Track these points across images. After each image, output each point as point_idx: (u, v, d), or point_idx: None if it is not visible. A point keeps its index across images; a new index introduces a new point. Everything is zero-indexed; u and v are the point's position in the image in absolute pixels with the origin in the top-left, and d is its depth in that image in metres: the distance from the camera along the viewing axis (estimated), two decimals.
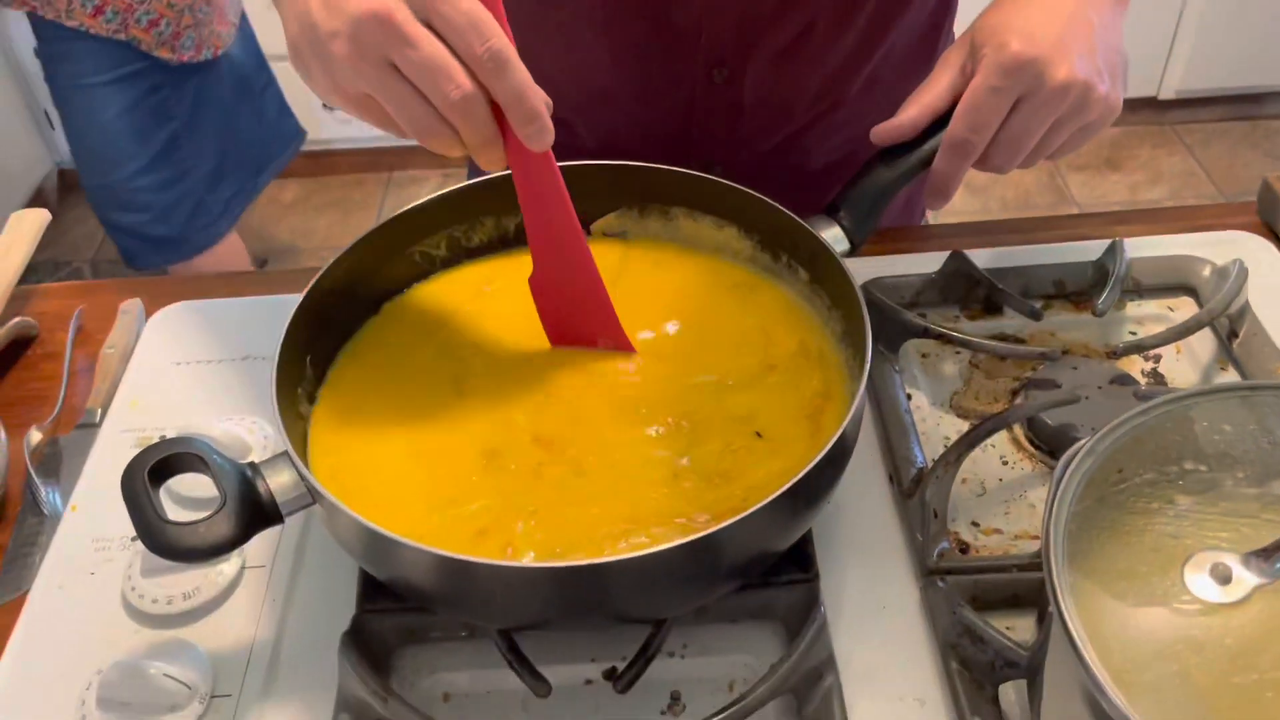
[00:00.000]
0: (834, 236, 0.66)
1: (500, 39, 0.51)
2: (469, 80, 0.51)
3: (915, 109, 0.67)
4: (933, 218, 1.15)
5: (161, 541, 0.51)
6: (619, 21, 0.79)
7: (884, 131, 0.68)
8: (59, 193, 2.71)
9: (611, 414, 0.63)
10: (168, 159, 1.72)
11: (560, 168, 0.71)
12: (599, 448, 0.61)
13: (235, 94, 1.81)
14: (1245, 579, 0.42)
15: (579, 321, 0.66)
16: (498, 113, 0.53)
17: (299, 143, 1.98)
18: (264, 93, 1.89)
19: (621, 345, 0.66)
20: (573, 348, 0.66)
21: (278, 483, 0.54)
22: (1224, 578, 0.42)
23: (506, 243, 0.74)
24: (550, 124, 0.54)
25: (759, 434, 0.61)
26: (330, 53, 0.51)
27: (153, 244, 1.79)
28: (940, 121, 0.67)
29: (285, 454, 0.55)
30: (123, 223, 1.78)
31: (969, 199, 2.51)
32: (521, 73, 0.52)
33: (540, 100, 0.53)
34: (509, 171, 0.58)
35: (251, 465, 0.55)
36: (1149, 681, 0.41)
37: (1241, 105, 2.72)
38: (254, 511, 0.53)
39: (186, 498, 0.66)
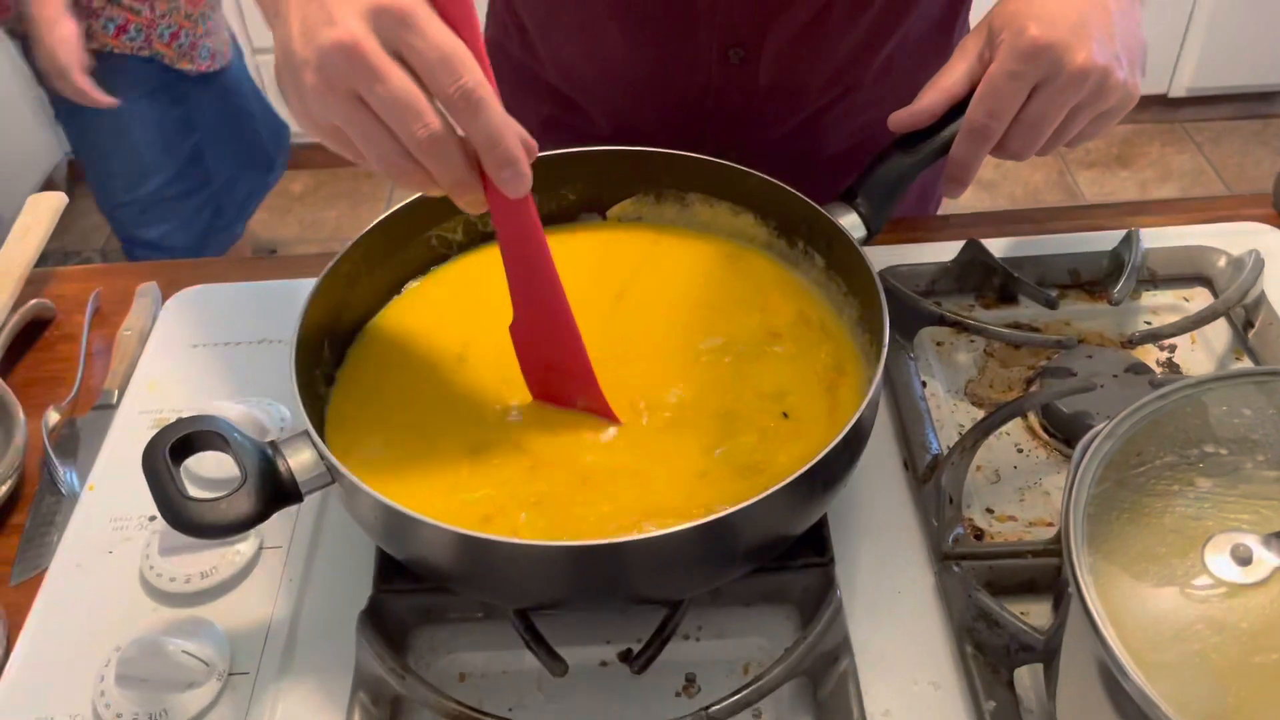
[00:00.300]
0: (851, 223, 0.66)
1: (474, 75, 0.48)
2: (438, 119, 0.48)
3: (932, 94, 0.67)
4: (944, 210, 1.15)
5: (183, 517, 0.51)
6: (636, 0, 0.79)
7: (902, 118, 0.68)
8: (69, 182, 2.72)
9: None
10: (192, 168, 1.75)
11: (576, 153, 0.72)
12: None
13: (244, 97, 1.83)
14: (1266, 560, 0.42)
15: (559, 378, 0.62)
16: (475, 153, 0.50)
17: (287, 134, 1.99)
18: (264, 93, 1.92)
19: (602, 411, 0.62)
20: (553, 406, 0.63)
21: (298, 461, 0.54)
22: (1244, 559, 0.42)
23: None
24: (528, 169, 0.50)
25: (786, 414, 0.61)
26: (301, 82, 0.49)
27: (174, 255, 1.80)
28: (958, 108, 0.67)
29: (305, 433, 0.55)
30: (147, 237, 1.79)
31: (978, 194, 2.51)
32: (497, 113, 0.48)
33: (517, 143, 0.49)
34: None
35: (272, 444, 0.55)
36: (1168, 661, 0.41)
37: (1252, 104, 2.72)
38: (274, 489, 0.53)
39: (203, 479, 0.66)
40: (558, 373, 0.62)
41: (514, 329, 0.62)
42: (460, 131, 0.50)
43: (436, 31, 0.47)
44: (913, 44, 0.84)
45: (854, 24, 0.80)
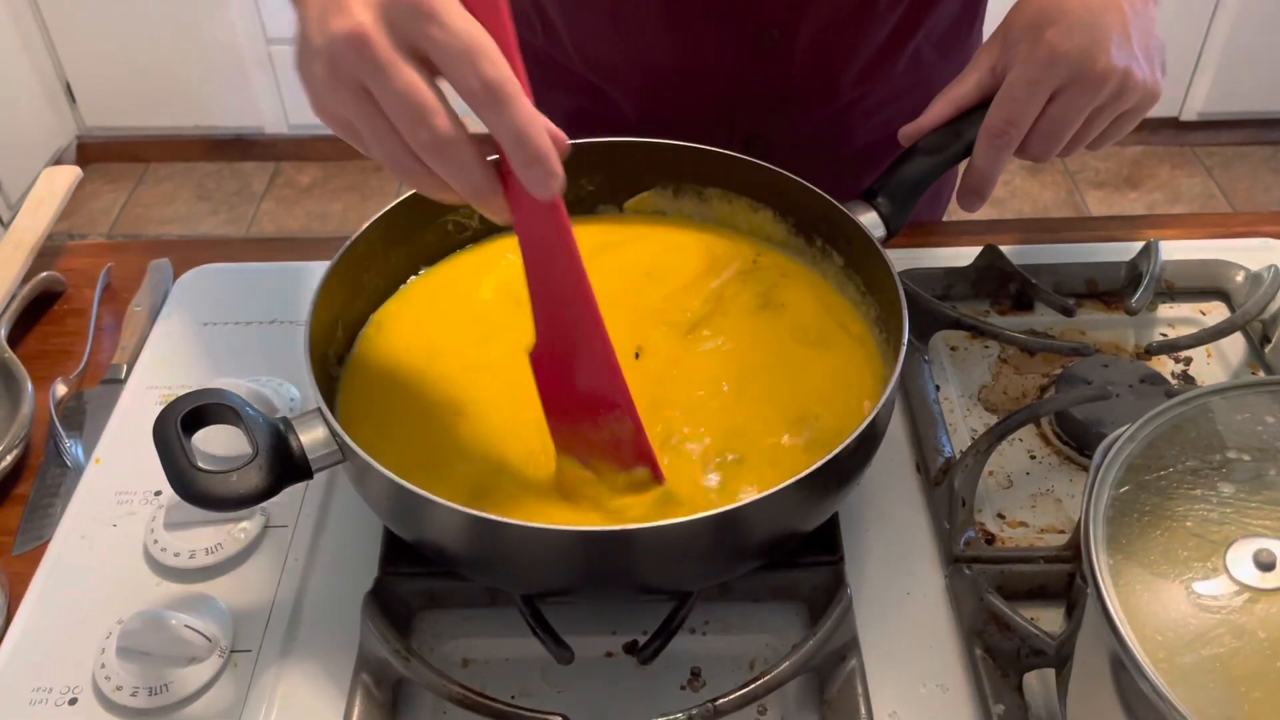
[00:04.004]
0: (871, 222, 0.66)
1: (498, 68, 0.44)
2: (447, 120, 0.45)
3: (940, 106, 0.68)
4: (959, 217, 1.14)
5: (193, 488, 0.50)
6: None
7: (909, 131, 0.69)
8: (78, 164, 2.71)
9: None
10: None
11: (595, 143, 0.71)
12: None
13: None
14: None
15: (590, 424, 0.55)
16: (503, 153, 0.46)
17: None
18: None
19: (643, 455, 0.54)
20: (575, 456, 0.56)
21: (310, 438, 0.54)
22: (1267, 565, 0.42)
23: None
24: (559, 167, 0.46)
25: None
26: (312, 72, 0.47)
27: None
28: (982, 110, 0.66)
29: (317, 410, 0.55)
30: None
31: (985, 210, 2.49)
32: (524, 108, 0.44)
33: (546, 139, 0.45)
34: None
35: (284, 420, 0.54)
36: (1186, 665, 0.41)
37: (1264, 129, 2.72)
38: (285, 465, 0.53)
39: (210, 456, 0.65)
40: (589, 417, 0.54)
41: (535, 357, 0.55)
42: (485, 128, 0.46)
43: (458, 20, 0.44)
44: (937, 38, 0.85)
45: (891, 11, 0.80)
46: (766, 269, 0.70)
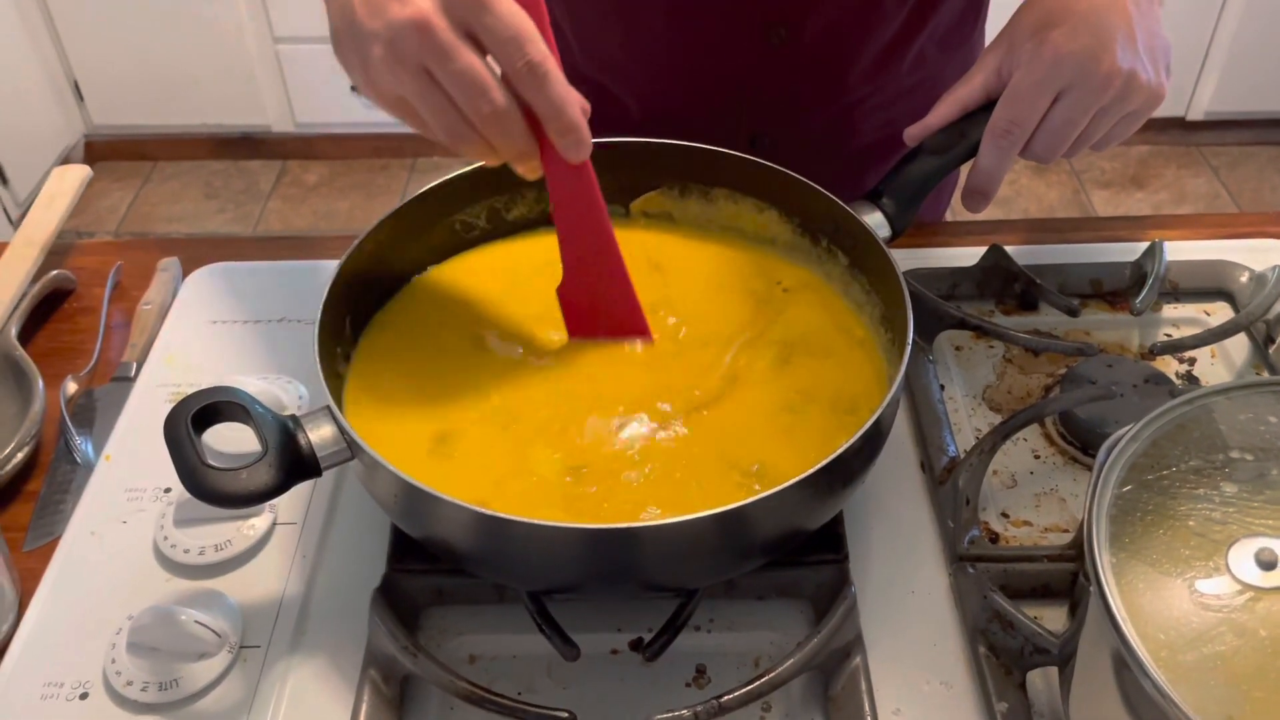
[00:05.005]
0: (876, 221, 0.66)
1: (540, 50, 0.51)
2: (503, 96, 0.52)
3: (945, 107, 0.69)
4: (963, 217, 1.15)
5: (203, 485, 0.51)
6: None
7: (914, 131, 0.69)
8: (85, 162, 2.72)
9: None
10: None
11: (601, 144, 0.71)
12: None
13: None
14: None
15: (604, 316, 0.65)
16: (535, 122, 0.54)
17: None
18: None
19: (641, 331, 0.66)
20: (592, 338, 0.66)
21: (318, 436, 0.54)
22: (1269, 564, 0.42)
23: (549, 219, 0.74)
24: (588, 134, 0.54)
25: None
26: (369, 54, 0.52)
27: None
28: (987, 111, 0.67)
29: (326, 408, 0.55)
30: None
31: (990, 210, 2.49)
32: (561, 85, 0.52)
33: (578, 111, 0.54)
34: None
35: (293, 418, 0.55)
36: (1188, 663, 0.41)
37: (1270, 129, 2.71)
38: (294, 462, 0.53)
39: (219, 453, 0.66)
40: (605, 311, 0.65)
41: (562, 291, 0.65)
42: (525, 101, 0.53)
43: (507, 9, 0.51)
44: (940, 36, 0.85)
45: (898, 9, 0.80)
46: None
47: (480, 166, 0.70)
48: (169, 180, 2.71)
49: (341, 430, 0.54)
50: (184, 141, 2.72)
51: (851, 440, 0.53)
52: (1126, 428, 0.48)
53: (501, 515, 0.50)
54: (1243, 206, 2.58)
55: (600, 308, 0.65)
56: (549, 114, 0.53)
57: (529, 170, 0.56)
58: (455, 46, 0.50)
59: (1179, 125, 2.69)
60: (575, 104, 0.53)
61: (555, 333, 0.66)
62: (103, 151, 2.71)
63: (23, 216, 0.83)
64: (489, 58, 0.52)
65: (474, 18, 0.50)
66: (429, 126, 0.54)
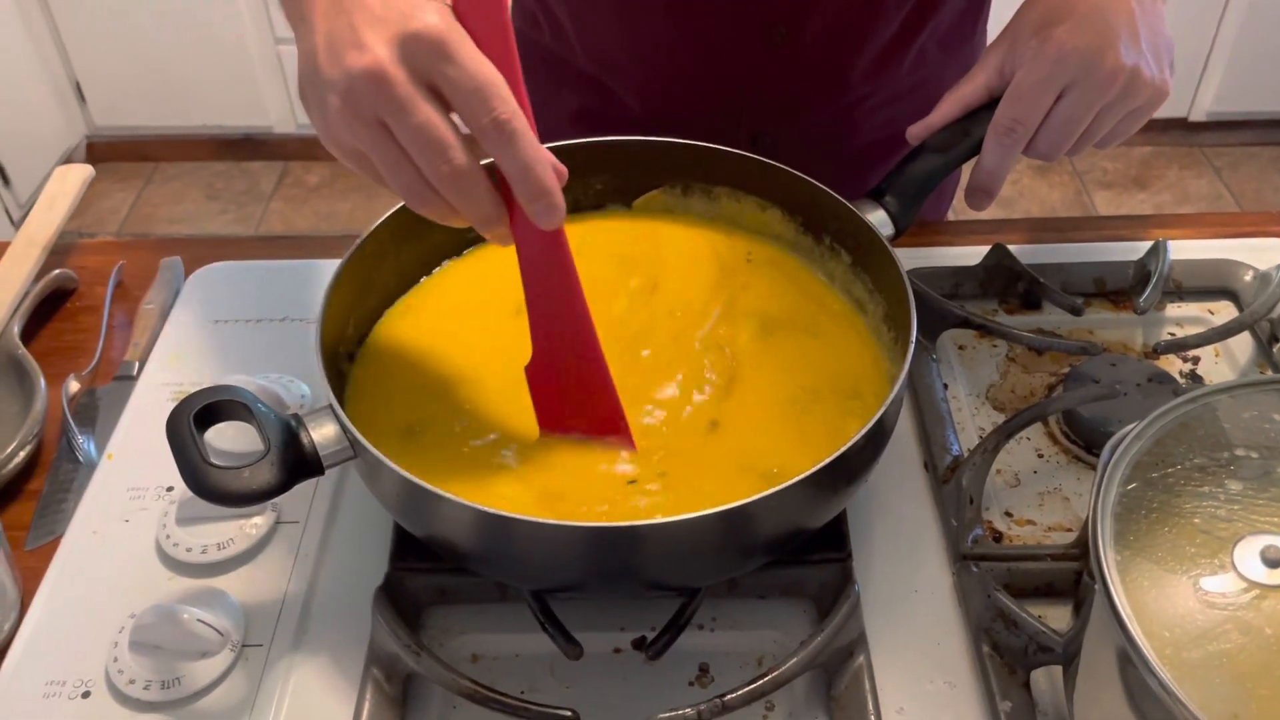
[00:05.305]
0: (879, 220, 0.66)
1: (508, 105, 0.46)
2: (464, 155, 0.47)
3: (948, 105, 0.69)
4: (966, 216, 1.15)
5: (205, 484, 0.51)
6: None
7: (917, 130, 0.69)
8: (87, 163, 2.72)
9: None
10: None
11: (603, 143, 0.72)
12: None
13: None
14: None
15: (578, 412, 0.59)
16: (505, 183, 0.49)
17: None
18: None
19: (619, 432, 0.59)
20: (566, 435, 0.60)
21: (321, 434, 0.54)
22: (1275, 561, 0.42)
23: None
24: (562, 200, 0.49)
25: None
26: (326, 104, 0.48)
27: None
28: (990, 109, 0.67)
29: (329, 407, 0.55)
30: None
31: (993, 210, 2.49)
32: (530, 144, 0.47)
33: (550, 173, 0.48)
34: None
35: (295, 417, 0.55)
36: (1192, 660, 0.41)
37: (1272, 130, 2.71)
38: (296, 461, 0.53)
39: (221, 452, 0.66)
40: (581, 405, 0.58)
41: (531, 371, 0.58)
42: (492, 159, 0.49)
43: (471, 60, 0.46)
44: (941, 35, 0.85)
45: (898, 7, 0.80)
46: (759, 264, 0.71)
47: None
48: (171, 181, 2.71)
49: (344, 429, 0.54)
50: (186, 142, 2.72)
51: (855, 438, 0.53)
52: (1130, 426, 0.48)
53: (504, 513, 0.50)
54: (1245, 207, 2.58)
55: (575, 398, 0.58)
56: (517, 175, 0.48)
57: (497, 238, 0.51)
58: (412, 99, 0.46)
59: (1181, 126, 2.69)
60: (547, 164, 0.48)
61: None
62: (104, 152, 2.71)
63: (24, 217, 0.83)
64: (454, 113, 0.48)
65: (434, 68, 0.46)
66: (387, 183, 0.50)
